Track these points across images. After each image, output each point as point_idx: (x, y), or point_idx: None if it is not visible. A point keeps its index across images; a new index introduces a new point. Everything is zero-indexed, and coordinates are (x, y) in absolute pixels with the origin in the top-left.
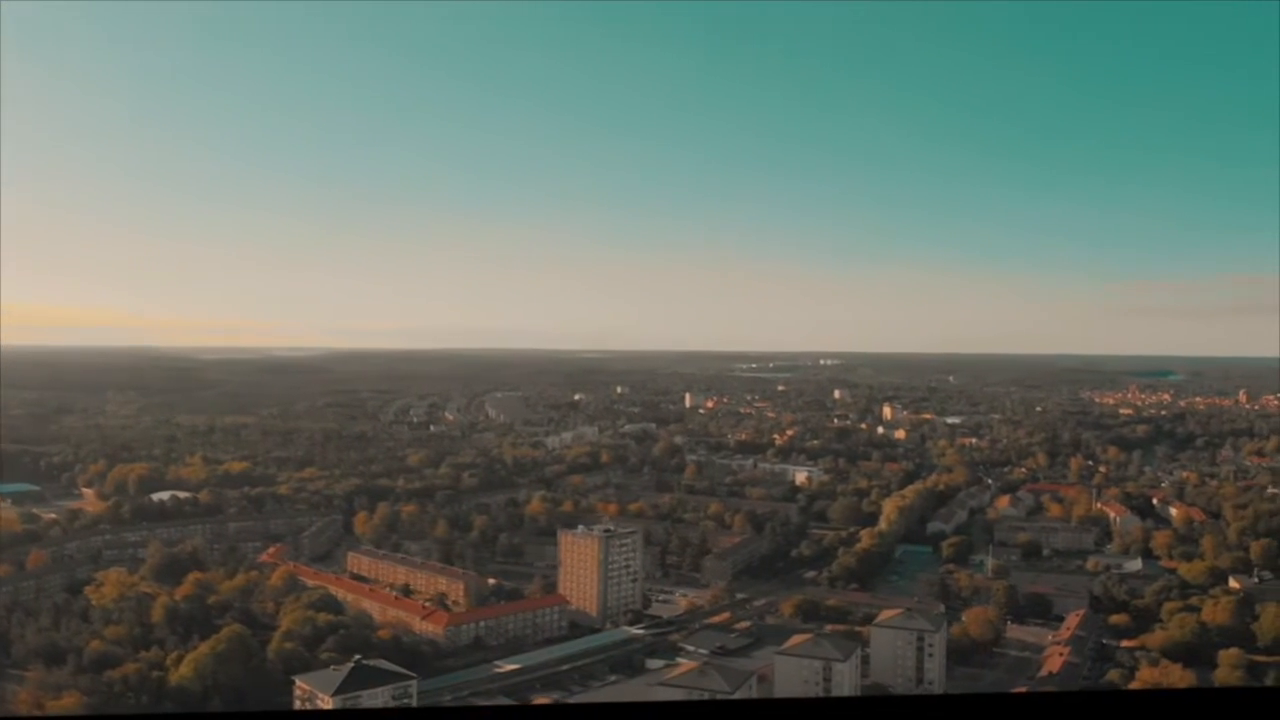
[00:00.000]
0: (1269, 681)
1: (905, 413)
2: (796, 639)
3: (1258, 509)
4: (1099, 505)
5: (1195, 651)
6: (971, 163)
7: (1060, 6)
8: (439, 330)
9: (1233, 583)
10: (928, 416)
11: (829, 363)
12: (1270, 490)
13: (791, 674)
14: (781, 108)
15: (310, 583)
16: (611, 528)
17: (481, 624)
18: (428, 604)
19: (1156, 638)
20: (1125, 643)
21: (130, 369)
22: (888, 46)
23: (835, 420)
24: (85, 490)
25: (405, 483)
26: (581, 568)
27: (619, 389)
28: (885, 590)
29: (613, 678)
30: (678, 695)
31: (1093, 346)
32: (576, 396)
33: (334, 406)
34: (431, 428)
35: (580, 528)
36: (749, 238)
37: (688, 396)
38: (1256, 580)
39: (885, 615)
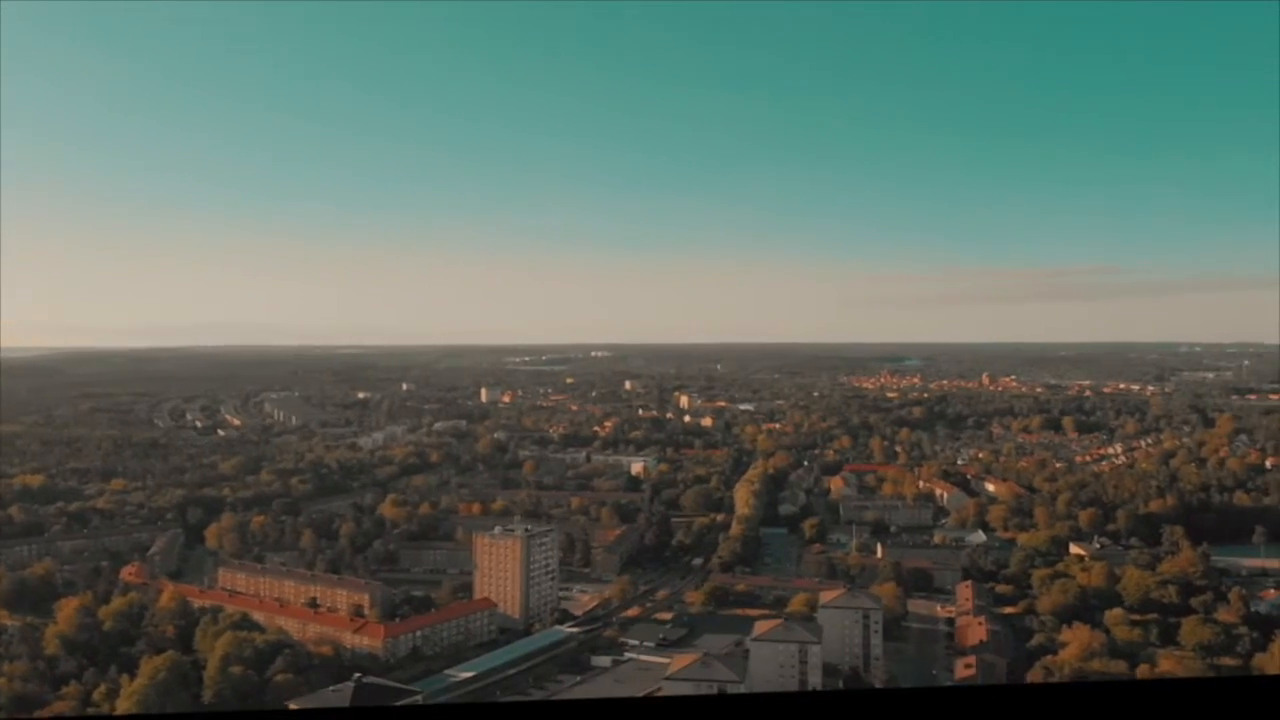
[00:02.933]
0: (1153, 634)
1: (701, 401)
2: (765, 624)
3: (1067, 481)
4: (922, 483)
5: (1079, 613)
6: (729, 154)
7: None
8: (168, 329)
9: (1075, 549)
10: (722, 404)
11: (600, 354)
12: (1058, 464)
13: (769, 658)
14: (541, 105)
15: (198, 603)
16: (529, 527)
17: (418, 633)
18: (353, 617)
19: (1045, 603)
20: (1009, 609)
21: None
22: (650, 39)
23: (640, 411)
24: None
25: (232, 491)
26: (501, 570)
27: (405, 386)
28: (765, 572)
29: (562, 678)
30: (687, 688)
31: (837, 335)
32: (361, 395)
33: (100, 412)
34: (220, 431)
35: (497, 529)
36: (509, 232)
37: (484, 391)
38: (1099, 546)
39: (827, 595)
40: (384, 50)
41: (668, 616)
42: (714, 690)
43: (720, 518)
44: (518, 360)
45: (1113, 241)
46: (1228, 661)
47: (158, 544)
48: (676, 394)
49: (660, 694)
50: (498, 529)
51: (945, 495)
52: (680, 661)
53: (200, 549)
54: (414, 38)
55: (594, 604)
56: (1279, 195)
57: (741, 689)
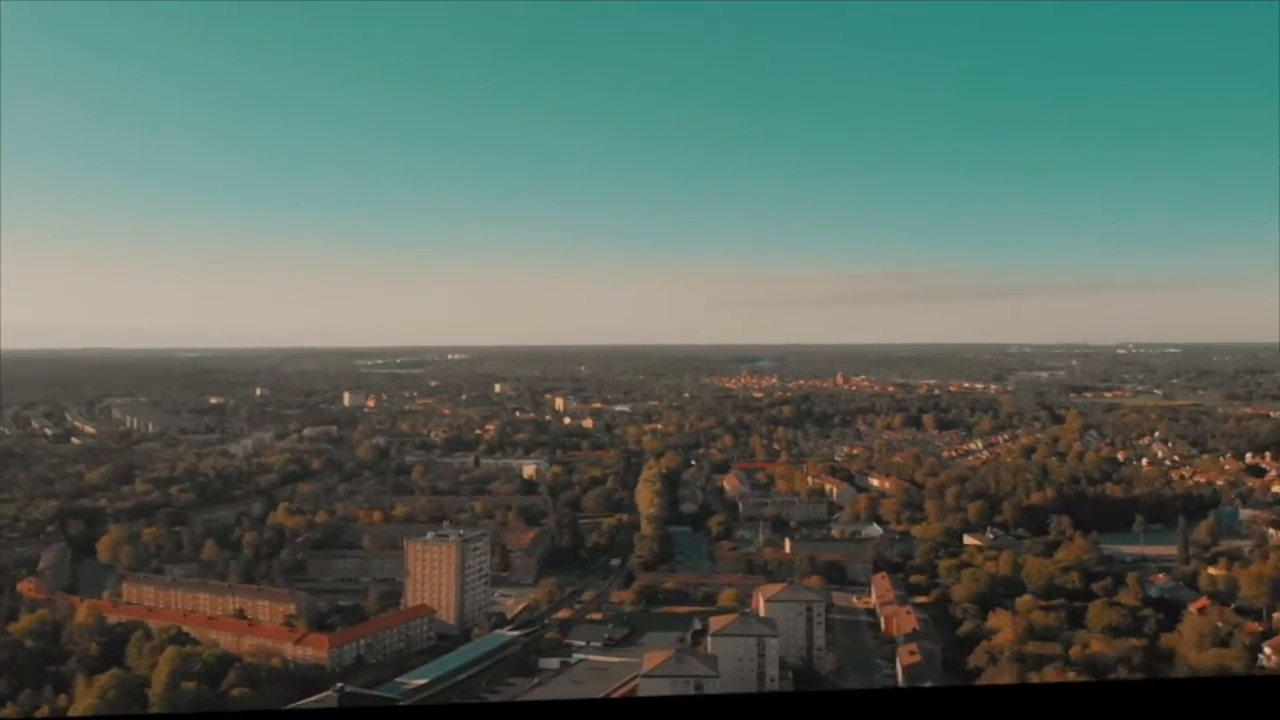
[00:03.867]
0: (1064, 619)
1: (576, 403)
2: (722, 619)
3: (948, 475)
4: (810, 480)
5: (991, 600)
6: (571, 155)
7: None
8: None
9: (970, 540)
10: (599, 405)
11: (457, 357)
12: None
13: (729, 652)
14: (376, 100)
15: (113, 618)
16: (462, 533)
17: (361, 642)
18: (290, 628)
19: (959, 592)
20: (923, 598)
21: None
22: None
23: (518, 413)
24: None
25: (110, 502)
26: (435, 576)
27: (259, 391)
28: (681, 569)
29: (514, 680)
30: (665, 685)
31: (692, 337)
32: (214, 400)
33: None
34: (75, 440)
35: (430, 535)
36: (350, 231)
37: (347, 395)
38: (992, 537)
39: (769, 590)
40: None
41: (598, 617)
42: (691, 685)
43: (625, 518)
44: (369, 363)
45: (949, 246)
46: (1136, 642)
47: (45, 558)
48: (549, 396)
49: (641, 692)
50: (430, 535)
51: (835, 491)
52: (653, 659)
53: (89, 562)
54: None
55: (520, 608)
56: (1098, 203)
57: (717, 684)
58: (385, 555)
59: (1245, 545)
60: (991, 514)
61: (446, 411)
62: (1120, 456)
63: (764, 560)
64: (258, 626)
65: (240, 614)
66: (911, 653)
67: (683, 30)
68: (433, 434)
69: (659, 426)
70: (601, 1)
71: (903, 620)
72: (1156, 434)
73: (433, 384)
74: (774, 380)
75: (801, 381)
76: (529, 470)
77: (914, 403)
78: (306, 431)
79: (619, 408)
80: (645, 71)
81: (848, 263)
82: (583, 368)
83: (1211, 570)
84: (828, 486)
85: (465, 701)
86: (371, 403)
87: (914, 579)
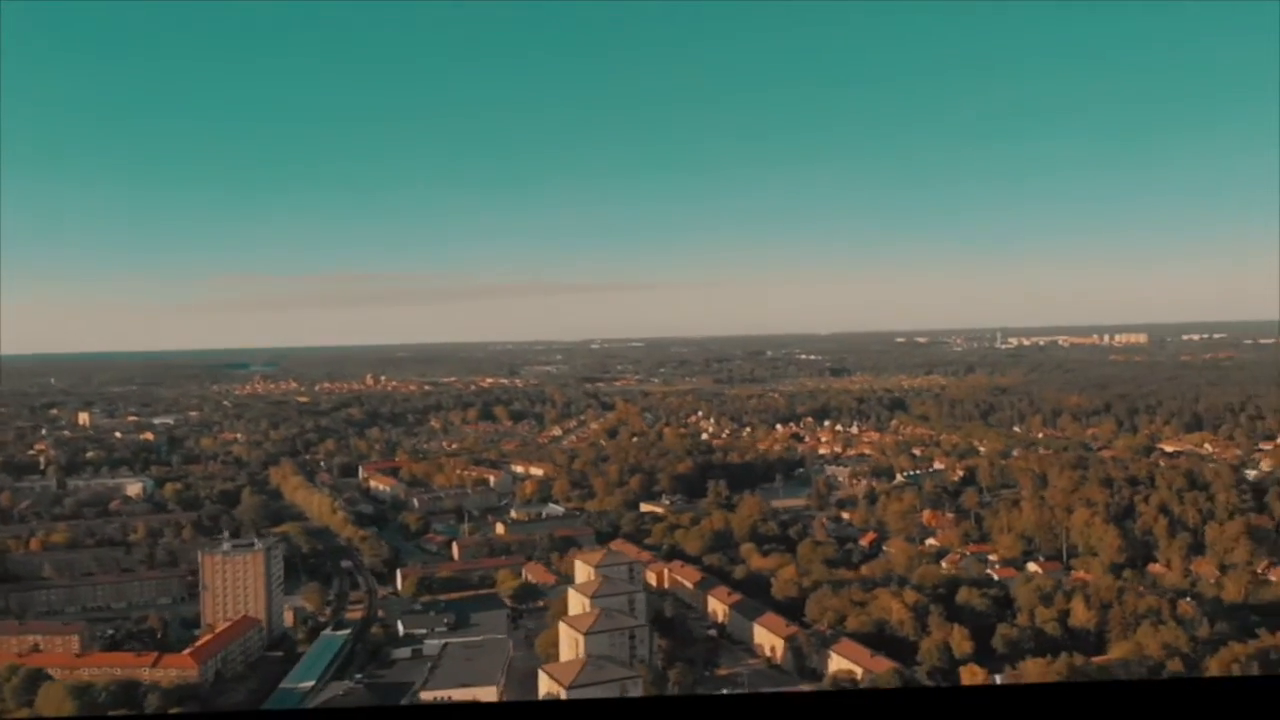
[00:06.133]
0: (785, 559)
1: (104, 418)
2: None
3: (586, 456)
4: (459, 472)
5: (721, 549)
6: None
7: None
8: None
9: (649, 508)
10: (134, 418)
11: None
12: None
13: (610, 607)
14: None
15: None
16: (260, 542)
17: (219, 656)
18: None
19: (693, 547)
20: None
21: None
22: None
23: (68, 433)
24: None
25: None
26: (241, 587)
27: None
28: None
29: (380, 672)
30: (597, 691)
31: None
32: None
33: None
34: None
35: (228, 546)
36: None
37: None
38: (669, 503)
39: (591, 557)
40: None
41: (382, 614)
42: (617, 689)
43: (305, 526)
44: None
45: (404, 251)
46: (846, 573)
47: None
48: (73, 412)
49: (639, 694)
50: (228, 545)
51: (493, 480)
52: (568, 669)
53: None
54: None
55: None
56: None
57: (639, 683)
58: (95, 581)
59: (851, 494)
60: (651, 484)
61: None
62: (703, 433)
63: (506, 543)
64: (90, 657)
65: (35, 648)
66: (729, 593)
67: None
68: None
69: (238, 436)
70: None
71: (686, 574)
72: (700, 413)
73: None
74: (293, 384)
75: (329, 384)
76: (135, 489)
77: (470, 398)
78: None
79: (161, 419)
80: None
81: (292, 266)
82: (53, 380)
83: (845, 514)
84: (488, 477)
85: (464, 702)
86: None
87: (647, 541)
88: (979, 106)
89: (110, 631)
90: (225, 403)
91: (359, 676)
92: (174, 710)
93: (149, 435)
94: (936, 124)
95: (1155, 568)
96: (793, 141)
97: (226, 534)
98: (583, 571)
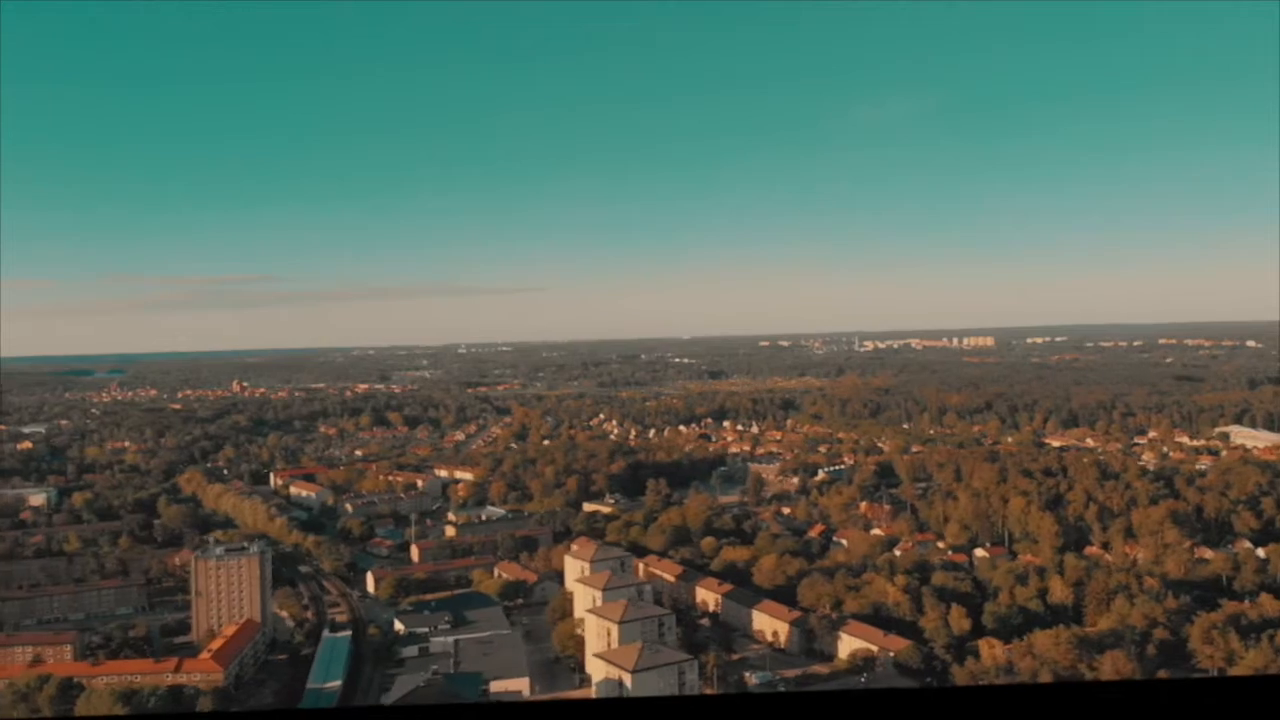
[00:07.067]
0: (742, 550)
1: None
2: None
3: (513, 460)
4: (383, 477)
5: (683, 543)
6: None
7: None
8: None
9: (593, 507)
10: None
11: None
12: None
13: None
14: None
15: None
16: (252, 546)
17: (236, 660)
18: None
19: (655, 543)
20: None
21: None
22: None
23: None
24: None
25: None
26: (236, 590)
27: None
28: (369, 564)
29: (392, 671)
30: (654, 676)
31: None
32: None
33: None
34: None
35: (220, 550)
36: None
37: None
38: (614, 501)
39: (585, 550)
40: None
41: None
42: (675, 671)
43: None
44: None
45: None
46: (823, 561)
47: None
48: None
49: (636, 685)
50: (220, 550)
51: (422, 484)
52: (626, 654)
53: None
54: None
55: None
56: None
57: (694, 665)
58: (47, 592)
59: (782, 490)
60: (588, 485)
61: None
62: (613, 436)
63: (466, 544)
64: (107, 665)
65: (38, 659)
66: (719, 584)
67: None
68: None
69: (127, 444)
70: None
71: (665, 567)
72: (602, 415)
73: None
74: (153, 392)
75: (189, 392)
76: (38, 500)
77: (353, 404)
78: None
79: (31, 428)
80: None
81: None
82: None
83: (785, 509)
84: (416, 481)
85: (465, 702)
86: None
87: (606, 540)
88: (839, 115)
89: (95, 639)
90: (93, 410)
91: (434, 669)
92: (200, 710)
93: (28, 445)
94: (797, 132)
95: (1091, 550)
96: (647, 152)
97: (213, 540)
98: (575, 567)
